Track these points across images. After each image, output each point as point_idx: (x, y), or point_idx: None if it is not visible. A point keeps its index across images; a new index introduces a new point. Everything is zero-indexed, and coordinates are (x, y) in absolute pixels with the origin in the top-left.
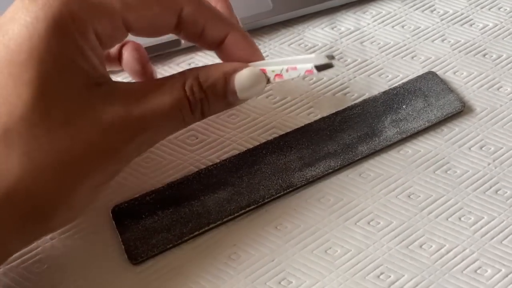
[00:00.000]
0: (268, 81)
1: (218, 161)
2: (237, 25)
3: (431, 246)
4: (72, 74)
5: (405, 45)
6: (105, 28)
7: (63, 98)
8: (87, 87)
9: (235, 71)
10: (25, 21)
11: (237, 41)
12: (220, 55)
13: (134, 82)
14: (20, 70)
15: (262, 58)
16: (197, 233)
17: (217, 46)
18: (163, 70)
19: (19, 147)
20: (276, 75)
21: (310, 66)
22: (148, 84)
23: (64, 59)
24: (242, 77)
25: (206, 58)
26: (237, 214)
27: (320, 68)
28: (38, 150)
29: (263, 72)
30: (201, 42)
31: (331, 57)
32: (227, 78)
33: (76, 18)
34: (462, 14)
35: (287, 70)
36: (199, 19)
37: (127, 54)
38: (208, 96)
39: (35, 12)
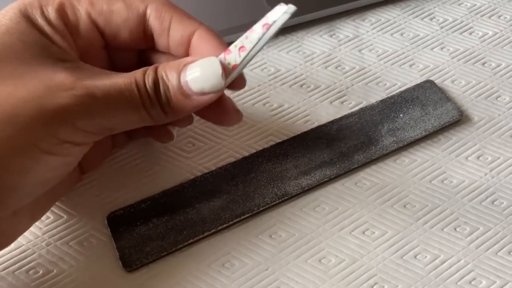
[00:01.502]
0: (227, 71)
1: (214, 168)
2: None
3: (426, 257)
4: (28, 43)
5: (404, 53)
6: (73, 18)
7: (15, 57)
8: (45, 55)
9: (194, 61)
10: (5, 11)
11: (205, 37)
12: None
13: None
14: None
15: None
16: (191, 241)
17: (185, 47)
18: None
19: None
20: (240, 48)
21: (265, 20)
22: (115, 71)
23: (26, 33)
24: (193, 64)
25: None
26: (232, 222)
27: (271, 16)
28: None
29: (223, 63)
30: (168, 43)
31: (290, 7)
32: (181, 67)
33: (42, 7)
34: (461, 22)
35: (246, 37)
36: (165, 14)
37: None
38: (160, 79)
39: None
